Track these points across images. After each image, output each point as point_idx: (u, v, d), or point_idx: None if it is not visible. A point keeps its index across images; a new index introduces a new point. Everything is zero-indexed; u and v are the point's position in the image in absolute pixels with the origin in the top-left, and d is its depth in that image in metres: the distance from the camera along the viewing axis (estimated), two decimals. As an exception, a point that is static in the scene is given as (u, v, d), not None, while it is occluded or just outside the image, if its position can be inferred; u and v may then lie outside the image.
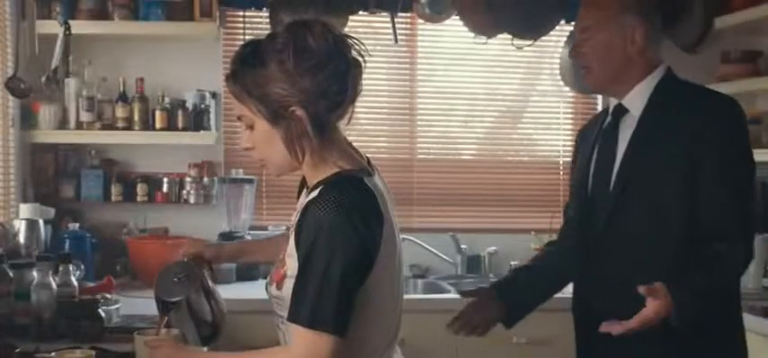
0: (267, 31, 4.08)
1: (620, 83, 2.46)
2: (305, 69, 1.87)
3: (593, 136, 2.57)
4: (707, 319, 2.30)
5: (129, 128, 4.05)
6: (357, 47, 1.94)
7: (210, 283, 2.23)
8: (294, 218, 1.99)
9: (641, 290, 2.19)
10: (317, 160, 1.95)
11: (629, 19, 2.41)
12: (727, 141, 2.35)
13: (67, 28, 3.46)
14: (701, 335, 2.33)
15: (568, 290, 3.98)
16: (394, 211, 2.01)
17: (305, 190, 2.04)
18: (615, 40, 2.42)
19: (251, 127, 1.95)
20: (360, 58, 1.93)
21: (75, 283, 2.91)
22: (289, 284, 1.91)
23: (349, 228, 1.83)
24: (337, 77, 1.90)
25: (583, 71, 2.51)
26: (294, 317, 1.85)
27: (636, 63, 2.44)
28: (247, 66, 1.92)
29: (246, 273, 3.98)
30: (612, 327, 2.23)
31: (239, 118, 1.97)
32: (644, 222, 2.39)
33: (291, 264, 1.91)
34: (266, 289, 2.06)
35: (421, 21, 4.38)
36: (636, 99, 2.45)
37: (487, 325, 2.75)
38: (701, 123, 2.33)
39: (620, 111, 2.48)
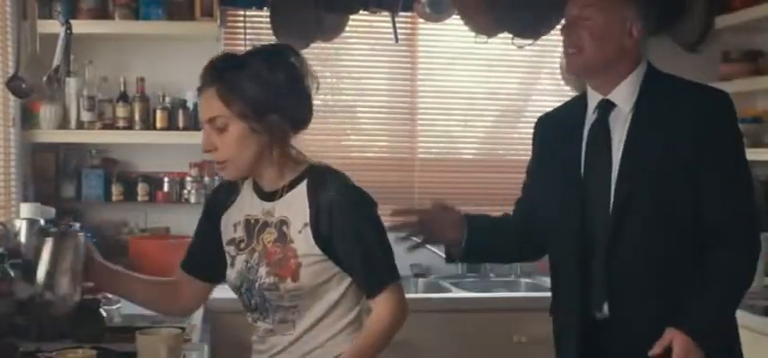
0: (268, 31, 4.15)
1: (608, 72, 2.39)
2: (288, 82, 2.14)
3: (572, 131, 2.47)
4: None
5: (129, 127, 4.06)
6: (314, 74, 2.22)
7: (79, 267, 2.25)
8: (268, 217, 2.20)
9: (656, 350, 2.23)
10: (283, 166, 2.19)
11: (631, 11, 2.36)
12: (726, 138, 2.33)
13: (68, 27, 3.46)
14: None
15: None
16: None
17: (250, 192, 2.25)
18: (614, 27, 2.36)
19: (223, 129, 2.12)
20: (314, 83, 2.22)
21: (77, 283, 2.91)
22: (307, 272, 2.15)
23: (364, 196, 2.20)
24: (307, 97, 2.20)
25: (571, 51, 2.41)
26: (375, 288, 2.17)
27: (627, 56, 2.39)
28: (235, 70, 2.13)
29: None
30: None
31: (211, 120, 2.13)
32: (651, 222, 2.32)
33: (307, 257, 2.15)
34: (265, 290, 2.18)
35: (421, 20, 4.38)
36: (623, 94, 2.39)
37: (434, 237, 2.63)
38: (699, 120, 2.30)
39: (608, 106, 2.41)
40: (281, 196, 2.19)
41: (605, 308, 2.38)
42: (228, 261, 2.28)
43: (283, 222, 2.18)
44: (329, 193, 2.15)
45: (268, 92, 2.11)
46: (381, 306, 2.15)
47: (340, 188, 2.16)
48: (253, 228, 2.23)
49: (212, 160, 2.23)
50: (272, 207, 2.20)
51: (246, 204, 2.26)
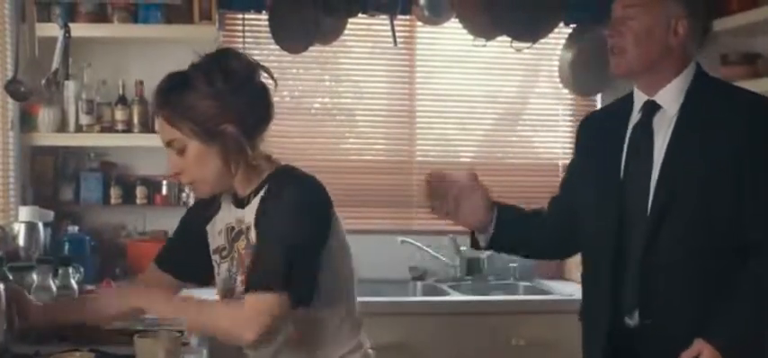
0: (267, 34, 4.14)
1: (652, 73, 2.32)
2: (233, 88, 2.08)
3: (616, 131, 2.41)
4: None
5: (128, 130, 4.06)
6: (266, 71, 2.17)
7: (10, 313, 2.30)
8: (240, 224, 2.19)
9: None
10: (250, 172, 2.15)
11: (676, 9, 2.29)
12: None
13: (67, 31, 3.46)
14: None
15: (566, 292, 3.99)
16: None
17: (228, 200, 2.24)
18: (658, 26, 2.28)
19: (182, 151, 2.10)
20: (270, 82, 2.17)
21: (75, 286, 2.91)
22: None
23: (303, 199, 2.08)
24: (260, 95, 2.13)
25: (615, 52, 2.34)
26: (249, 286, 2.04)
27: (673, 56, 2.31)
28: (177, 91, 2.10)
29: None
30: None
31: (169, 144, 2.12)
32: (689, 230, 2.26)
33: None
34: (236, 293, 2.19)
35: (420, 23, 4.39)
36: (670, 96, 2.31)
37: (462, 217, 2.51)
38: (745, 126, 2.23)
39: (652, 108, 2.34)
40: (249, 202, 2.17)
41: (636, 314, 2.32)
42: (215, 270, 2.29)
43: (249, 228, 2.16)
44: (270, 199, 2.10)
45: (212, 103, 2.07)
46: (243, 307, 2.04)
47: (281, 185, 2.10)
48: (230, 235, 2.23)
49: (185, 184, 2.26)
50: (242, 214, 2.19)
51: (226, 212, 2.26)
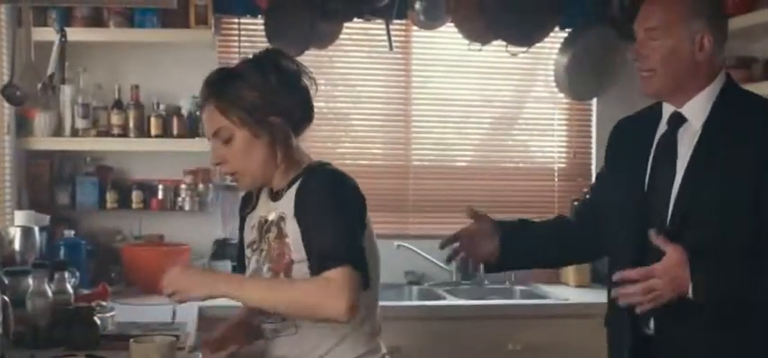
0: (263, 38, 4.15)
1: (682, 90, 2.30)
2: (282, 83, 2.16)
3: (644, 140, 2.39)
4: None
5: (124, 134, 4.06)
6: (309, 74, 2.25)
7: None
8: (271, 216, 2.22)
9: (655, 241, 2.14)
10: (288, 164, 2.21)
11: (699, 24, 2.26)
12: None
13: (63, 35, 3.46)
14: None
15: (563, 296, 4.00)
16: None
17: (266, 195, 2.29)
18: (683, 45, 2.26)
19: (228, 140, 2.16)
20: (312, 83, 2.25)
21: (71, 291, 2.91)
22: (299, 268, 2.14)
23: (345, 187, 2.16)
24: (304, 96, 2.23)
25: (645, 74, 2.32)
26: (325, 263, 2.03)
27: (701, 70, 2.29)
28: (229, 81, 2.16)
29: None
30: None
31: (215, 134, 2.17)
32: (706, 245, 2.19)
33: (297, 251, 2.14)
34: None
35: (416, 28, 4.39)
36: (696, 109, 2.30)
37: (472, 252, 2.65)
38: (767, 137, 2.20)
39: (678, 120, 2.33)
40: (283, 194, 2.21)
41: (651, 324, 2.31)
42: (247, 263, 2.32)
43: (281, 218, 2.19)
44: (312, 184, 2.16)
45: (263, 95, 2.14)
46: (327, 282, 2.02)
47: (323, 179, 2.17)
48: (262, 228, 2.27)
49: (227, 174, 2.25)
50: (276, 206, 2.23)
51: (261, 207, 2.31)
